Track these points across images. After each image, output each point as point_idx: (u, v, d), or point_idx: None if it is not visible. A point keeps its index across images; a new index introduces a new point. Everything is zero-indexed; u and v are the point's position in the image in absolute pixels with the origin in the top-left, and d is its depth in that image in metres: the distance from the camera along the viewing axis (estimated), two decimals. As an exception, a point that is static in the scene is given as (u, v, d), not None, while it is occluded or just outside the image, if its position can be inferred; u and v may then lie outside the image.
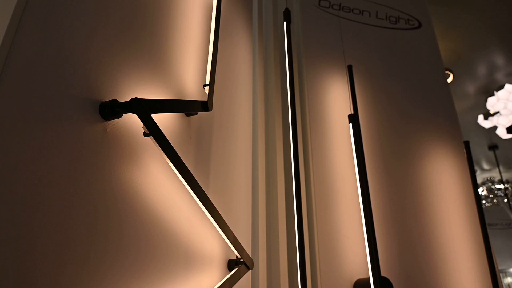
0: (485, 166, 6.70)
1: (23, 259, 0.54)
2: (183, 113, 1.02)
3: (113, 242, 0.71)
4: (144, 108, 0.73)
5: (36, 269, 0.55)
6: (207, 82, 1.06)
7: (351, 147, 1.81)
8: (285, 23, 1.61)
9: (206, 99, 1.03)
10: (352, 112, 1.74)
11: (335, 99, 1.92)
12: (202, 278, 1.00)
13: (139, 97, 0.73)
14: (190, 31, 1.14)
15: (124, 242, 0.73)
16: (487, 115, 4.40)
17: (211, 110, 1.03)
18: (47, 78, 0.63)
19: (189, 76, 1.09)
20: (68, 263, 0.60)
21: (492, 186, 7.17)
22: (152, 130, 0.74)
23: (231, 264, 1.16)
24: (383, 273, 1.56)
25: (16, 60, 0.58)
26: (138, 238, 0.78)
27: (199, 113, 1.07)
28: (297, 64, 1.91)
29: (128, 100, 0.78)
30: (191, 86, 1.09)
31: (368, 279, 1.55)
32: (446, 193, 1.93)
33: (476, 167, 6.80)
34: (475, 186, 1.88)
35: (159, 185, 0.87)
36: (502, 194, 6.88)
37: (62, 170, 0.62)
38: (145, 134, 0.75)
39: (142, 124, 0.73)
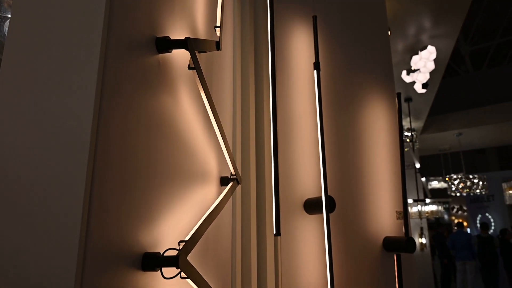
0: (399, 116, 7.72)
1: (99, 181, 0.72)
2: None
3: (153, 157, 0.86)
4: (194, 46, 0.88)
5: (107, 187, 0.73)
6: (218, 24, 1.20)
7: (308, 89, 2.10)
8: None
9: (218, 39, 1.19)
10: (315, 61, 2.00)
11: (298, 46, 2.14)
12: (208, 190, 1.25)
13: (169, 35, 0.87)
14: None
15: (159, 158, 0.90)
16: (409, 71, 5.04)
17: (221, 50, 1.19)
18: (126, 15, 0.75)
19: (199, 16, 1.21)
20: (129, 173, 0.79)
21: (401, 133, 8.35)
22: (196, 64, 0.91)
23: (223, 180, 1.41)
24: (328, 193, 1.96)
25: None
26: (169, 155, 0.95)
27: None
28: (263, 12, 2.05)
29: (173, 38, 0.92)
30: (201, 26, 1.22)
31: (316, 198, 1.95)
32: (379, 133, 2.37)
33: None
34: (401, 130, 2.35)
35: (184, 111, 1.05)
36: (408, 140, 8.07)
37: (128, 93, 0.77)
38: (190, 68, 0.91)
39: (189, 58, 0.89)
